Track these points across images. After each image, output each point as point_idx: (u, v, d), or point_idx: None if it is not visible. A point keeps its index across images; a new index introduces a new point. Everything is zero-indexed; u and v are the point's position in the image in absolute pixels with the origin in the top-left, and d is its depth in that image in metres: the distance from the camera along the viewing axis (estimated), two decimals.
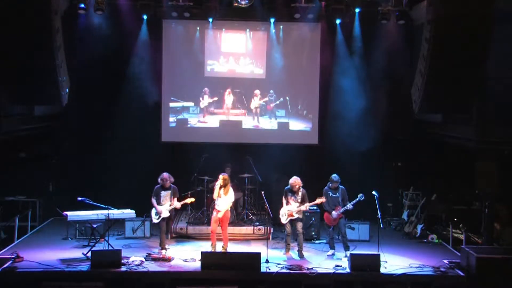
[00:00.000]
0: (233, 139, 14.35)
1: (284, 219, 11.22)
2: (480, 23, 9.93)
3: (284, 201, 11.26)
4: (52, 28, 9.91)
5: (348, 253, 11.07)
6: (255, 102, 14.39)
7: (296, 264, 10.51)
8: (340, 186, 11.28)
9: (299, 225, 11.22)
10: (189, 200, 11.43)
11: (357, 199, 11.01)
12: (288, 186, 11.24)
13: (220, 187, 11.23)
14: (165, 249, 11.19)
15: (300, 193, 11.14)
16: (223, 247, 11.23)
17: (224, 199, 11.21)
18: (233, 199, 11.41)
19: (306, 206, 11.13)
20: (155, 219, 11.25)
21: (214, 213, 11.29)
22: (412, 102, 11.48)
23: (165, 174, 11.20)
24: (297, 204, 11.09)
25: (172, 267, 10.40)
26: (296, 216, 11.13)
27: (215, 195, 11.29)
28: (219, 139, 14.28)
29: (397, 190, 14.57)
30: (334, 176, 11.27)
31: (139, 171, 13.49)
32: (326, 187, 11.35)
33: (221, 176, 11.29)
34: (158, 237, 12.07)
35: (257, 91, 14.36)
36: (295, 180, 11.13)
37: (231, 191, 11.33)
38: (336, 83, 14.26)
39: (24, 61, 10.10)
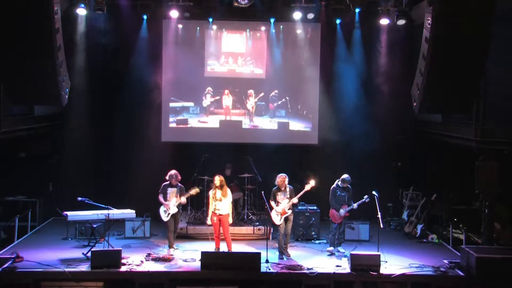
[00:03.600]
0: (233, 139, 14.36)
1: (278, 220, 11.13)
2: (480, 23, 9.92)
3: (273, 203, 11.17)
4: (52, 28, 9.89)
5: (340, 249, 11.27)
6: (251, 102, 14.40)
7: (296, 264, 10.52)
8: (348, 185, 11.36)
9: (290, 225, 11.27)
10: (194, 191, 11.32)
11: (362, 200, 11.07)
12: (276, 186, 11.21)
13: (216, 189, 11.13)
14: (174, 248, 11.25)
15: (288, 190, 11.13)
16: (228, 250, 11.14)
17: (223, 201, 11.13)
18: (231, 200, 11.36)
19: (296, 198, 11.07)
20: (164, 217, 11.24)
21: (215, 218, 11.16)
22: (412, 102, 11.47)
23: (173, 171, 11.27)
24: (287, 201, 11.08)
25: (172, 267, 10.41)
26: (289, 212, 11.10)
27: (211, 199, 11.16)
28: (219, 139, 14.29)
29: (397, 190, 14.58)
30: (347, 177, 11.33)
31: (139, 171, 13.50)
32: (334, 185, 11.42)
33: (217, 178, 11.18)
34: (158, 237, 12.13)
35: (250, 91, 14.36)
36: (281, 178, 11.14)
37: (228, 192, 11.26)
38: (336, 83, 14.27)
39: (24, 61, 10.08)
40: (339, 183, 11.36)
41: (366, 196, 11.07)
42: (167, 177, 11.26)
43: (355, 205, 11.15)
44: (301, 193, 11.07)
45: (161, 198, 11.25)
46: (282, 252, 11.18)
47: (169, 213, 11.19)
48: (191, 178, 12.83)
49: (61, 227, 12.63)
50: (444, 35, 10.06)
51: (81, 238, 12.04)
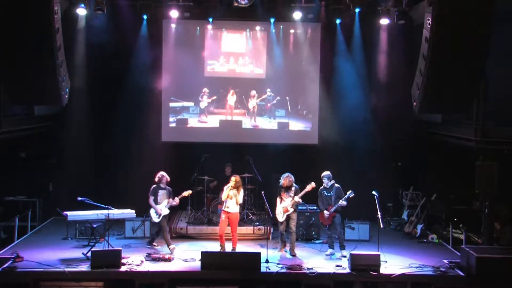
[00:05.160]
0: (233, 139, 14.36)
1: (281, 217, 11.30)
2: (480, 23, 9.92)
3: (278, 200, 11.36)
4: (52, 28, 9.89)
5: (344, 252, 11.16)
6: (253, 102, 14.41)
7: (296, 264, 10.52)
8: (335, 184, 11.33)
9: (293, 224, 11.30)
10: (186, 193, 11.49)
11: (346, 195, 11.06)
12: (281, 184, 11.37)
13: (231, 189, 11.22)
14: (172, 245, 11.34)
15: (293, 189, 11.23)
16: (232, 248, 11.25)
17: (233, 200, 11.21)
18: (241, 201, 11.43)
19: (298, 197, 11.16)
20: (155, 219, 11.39)
21: (223, 215, 11.24)
22: (412, 102, 11.47)
23: (163, 172, 11.49)
24: (290, 199, 11.21)
25: (172, 267, 10.41)
26: (291, 210, 11.19)
27: (224, 196, 11.27)
28: (219, 139, 14.29)
29: (397, 190, 14.57)
30: (324, 174, 11.35)
31: (139, 171, 13.50)
32: (321, 187, 11.41)
33: (233, 178, 11.31)
34: (158, 237, 12.10)
35: (253, 92, 14.37)
36: (286, 178, 11.27)
37: (242, 193, 11.37)
38: (336, 83, 14.27)
39: (24, 61, 10.09)
40: (324, 183, 11.36)
41: (350, 192, 11.05)
42: (156, 179, 11.40)
43: (341, 202, 11.09)
44: (302, 193, 11.17)
45: (152, 201, 11.36)
46: (285, 244, 11.43)
47: (160, 214, 11.33)
48: (191, 178, 12.85)
49: (61, 227, 12.64)
50: (444, 35, 10.06)
51: (81, 238, 12.03)
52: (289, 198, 11.21)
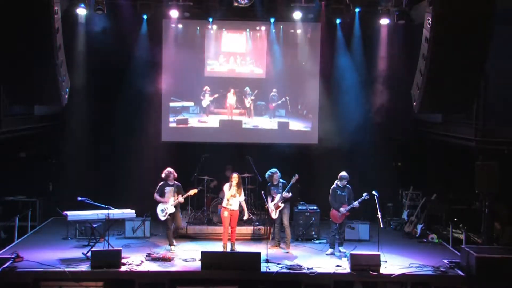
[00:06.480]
0: (233, 139, 14.36)
1: (274, 214, 11.53)
2: (480, 23, 9.92)
3: (269, 199, 11.58)
4: (52, 28, 9.89)
5: (342, 249, 11.28)
6: (248, 99, 14.40)
7: (296, 264, 10.53)
8: (347, 185, 11.39)
9: (286, 218, 11.57)
10: (192, 192, 11.53)
11: (362, 197, 11.13)
12: (270, 183, 11.63)
13: (232, 186, 11.33)
14: (174, 245, 11.38)
15: (280, 185, 11.55)
16: (232, 243, 11.36)
17: (237, 198, 11.34)
18: (243, 199, 11.57)
19: (286, 191, 11.46)
20: (161, 217, 11.36)
21: (226, 213, 11.30)
22: (412, 102, 11.47)
23: (170, 169, 11.45)
24: (280, 195, 11.49)
25: (172, 267, 10.42)
26: (282, 205, 11.49)
27: (228, 195, 11.33)
28: (219, 139, 14.29)
29: (397, 190, 14.58)
30: (344, 174, 11.44)
31: (139, 170, 13.51)
32: (334, 185, 11.51)
33: (235, 175, 11.42)
34: (158, 237, 12.16)
35: (246, 88, 14.38)
36: (272, 174, 11.62)
37: (242, 192, 11.53)
38: (336, 83, 14.27)
39: (24, 61, 10.08)
40: (338, 182, 11.43)
41: (365, 194, 11.12)
42: (163, 175, 11.39)
43: (356, 203, 11.21)
44: (288, 186, 11.44)
45: (157, 196, 11.32)
46: (279, 243, 11.71)
47: (166, 212, 11.29)
48: (191, 178, 12.85)
49: (61, 227, 12.64)
50: (444, 35, 10.06)
51: (81, 238, 12.05)
52: (278, 194, 11.48)
